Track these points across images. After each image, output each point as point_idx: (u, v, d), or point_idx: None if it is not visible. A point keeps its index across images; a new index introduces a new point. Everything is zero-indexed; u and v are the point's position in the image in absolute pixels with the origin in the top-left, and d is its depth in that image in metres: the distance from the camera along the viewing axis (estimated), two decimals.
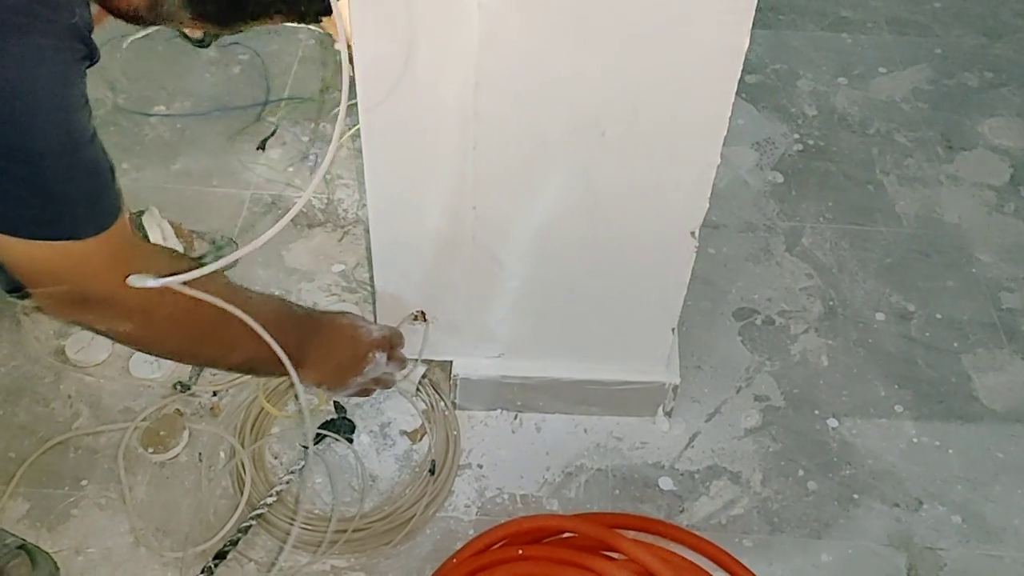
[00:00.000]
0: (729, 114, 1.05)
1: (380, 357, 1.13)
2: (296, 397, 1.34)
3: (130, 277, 0.81)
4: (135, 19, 0.90)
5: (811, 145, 1.84)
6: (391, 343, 1.16)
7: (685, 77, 1.02)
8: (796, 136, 1.85)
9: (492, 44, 1.00)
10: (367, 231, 1.55)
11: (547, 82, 1.04)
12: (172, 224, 1.49)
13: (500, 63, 1.02)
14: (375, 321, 1.24)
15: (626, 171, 1.12)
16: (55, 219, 0.81)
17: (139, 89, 1.87)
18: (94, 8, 0.83)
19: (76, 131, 0.80)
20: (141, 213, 1.46)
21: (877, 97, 1.95)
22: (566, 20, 0.98)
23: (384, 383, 1.20)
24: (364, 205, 1.65)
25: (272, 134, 1.78)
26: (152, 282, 0.82)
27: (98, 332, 0.95)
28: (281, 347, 0.95)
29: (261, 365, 1.01)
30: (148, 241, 1.42)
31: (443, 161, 1.12)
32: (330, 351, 1.08)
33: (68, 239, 0.82)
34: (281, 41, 1.99)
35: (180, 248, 1.46)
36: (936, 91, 1.97)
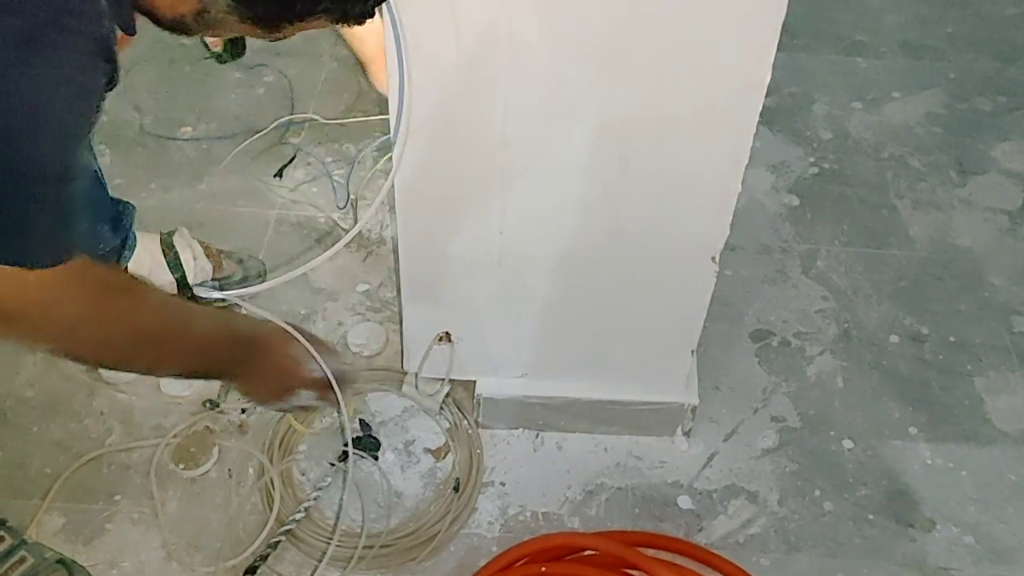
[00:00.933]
0: (751, 144, 1.08)
1: (306, 394, 1.11)
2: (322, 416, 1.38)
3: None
4: (180, 28, 0.89)
5: (826, 168, 1.87)
6: (326, 386, 1.11)
7: (708, 108, 1.06)
8: (811, 159, 1.88)
9: (521, 74, 1.04)
10: (395, 253, 1.59)
11: (573, 111, 1.08)
12: (201, 244, 1.52)
13: (528, 93, 1.06)
14: (403, 341, 1.27)
15: (649, 197, 1.15)
16: (8, 243, 0.78)
17: (166, 111, 1.91)
18: (117, 32, 0.83)
19: (71, 163, 0.80)
20: (172, 233, 1.49)
21: (891, 121, 1.98)
22: (592, 52, 1.02)
23: (310, 410, 1.22)
24: (387, 226, 1.69)
25: (291, 161, 1.81)
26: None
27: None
28: (212, 361, 1.00)
29: (193, 375, 1.06)
30: (179, 260, 1.46)
31: (472, 187, 1.15)
32: (261, 376, 1.07)
33: (16, 265, 0.79)
34: (305, 63, 2.03)
35: (210, 268, 1.49)
36: (949, 115, 2.00)
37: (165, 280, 1.46)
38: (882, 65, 2.13)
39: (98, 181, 1.36)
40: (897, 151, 1.91)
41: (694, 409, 1.36)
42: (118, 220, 1.40)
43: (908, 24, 2.25)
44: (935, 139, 1.94)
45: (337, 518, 1.27)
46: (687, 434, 1.39)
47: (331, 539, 1.23)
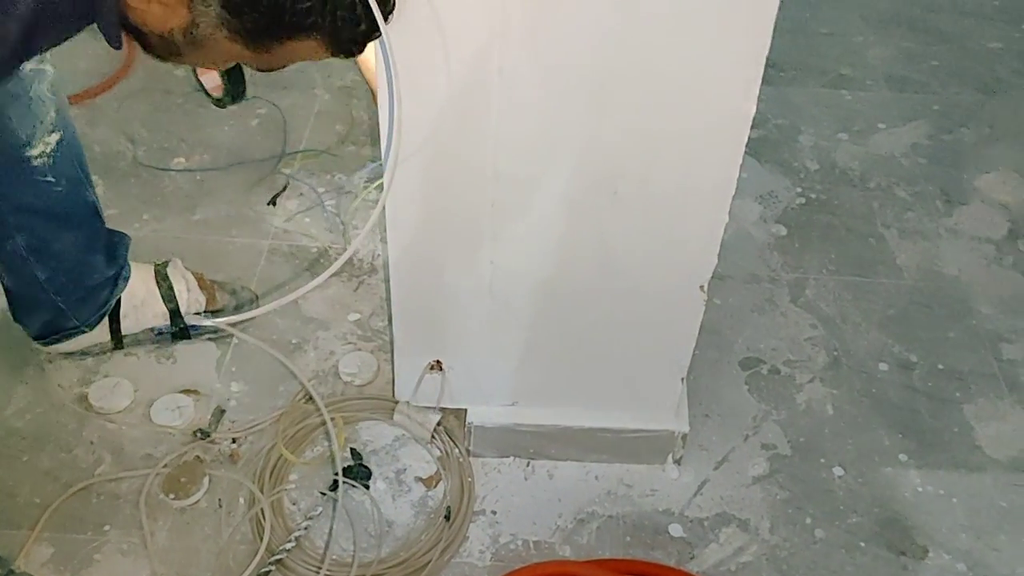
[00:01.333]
0: (737, 175, 1.10)
1: None
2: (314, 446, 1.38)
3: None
4: (169, 51, 0.89)
5: (813, 199, 1.89)
6: None
7: (695, 140, 1.08)
8: (799, 190, 1.90)
9: (511, 108, 1.06)
10: (386, 282, 1.60)
11: (563, 144, 1.09)
12: (194, 274, 1.53)
13: (518, 126, 1.07)
14: (395, 369, 1.27)
15: (638, 228, 1.17)
16: None
17: (159, 142, 1.93)
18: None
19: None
20: (165, 264, 1.50)
21: (877, 152, 2.01)
22: (581, 87, 1.04)
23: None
24: (379, 255, 1.70)
25: (283, 190, 1.83)
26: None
27: None
28: None
29: None
30: (173, 291, 1.47)
31: (463, 217, 1.17)
32: None
33: None
34: (298, 95, 2.05)
35: (203, 299, 1.50)
36: (934, 146, 2.03)
37: (158, 311, 1.46)
38: (867, 97, 2.16)
39: (95, 212, 1.37)
40: (883, 181, 1.93)
41: (684, 437, 1.37)
42: (113, 251, 1.41)
43: (892, 58, 2.29)
44: (921, 169, 1.97)
45: (327, 547, 1.26)
46: (678, 462, 1.40)
47: (321, 568, 1.23)
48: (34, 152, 1.23)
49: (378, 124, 1.09)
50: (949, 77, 2.23)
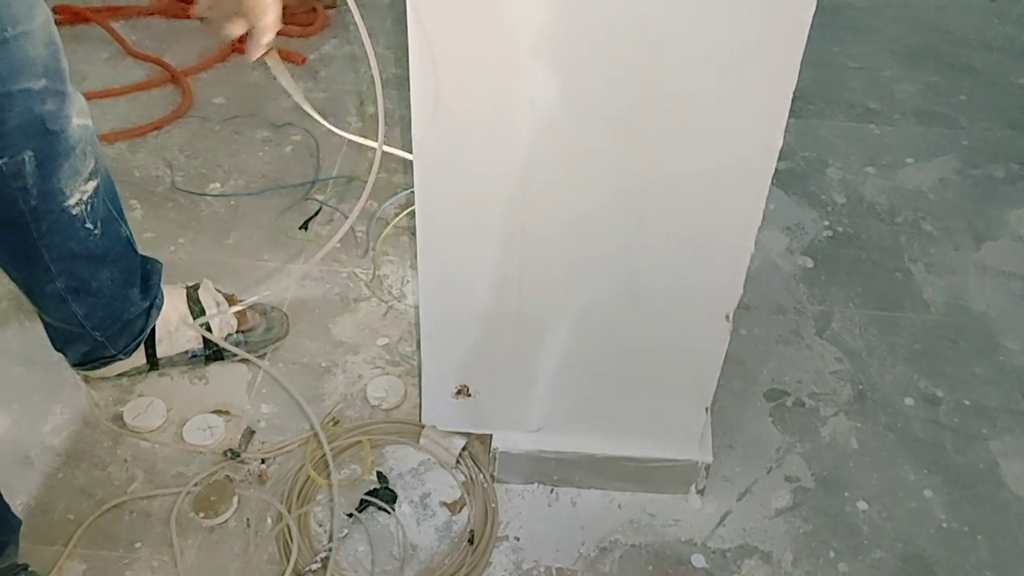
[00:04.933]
0: (764, 207, 1.12)
1: None
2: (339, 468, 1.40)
3: None
4: None
5: (840, 232, 1.89)
6: None
7: (722, 171, 1.09)
8: (826, 222, 1.91)
9: (542, 137, 1.08)
10: (416, 308, 1.62)
11: (591, 172, 1.11)
12: (225, 295, 1.56)
13: (549, 154, 1.09)
14: (422, 394, 1.29)
15: (664, 257, 1.18)
16: None
17: (196, 167, 1.97)
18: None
19: None
20: (196, 287, 1.53)
21: (905, 186, 2.01)
22: (611, 118, 1.06)
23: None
24: (408, 281, 1.73)
25: (316, 214, 1.86)
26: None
27: None
28: None
29: None
30: (205, 313, 1.50)
31: (492, 243, 1.19)
32: None
33: None
34: (332, 123, 2.09)
35: (235, 321, 1.53)
36: (962, 182, 2.03)
37: (191, 335, 1.49)
38: (895, 132, 2.17)
39: (129, 245, 1.40)
40: (911, 216, 1.94)
41: (708, 467, 1.37)
42: (147, 281, 1.44)
43: (920, 92, 2.30)
44: (948, 205, 1.97)
45: (353, 569, 1.28)
46: (701, 492, 1.40)
47: None
48: (72, 201, 1.26)
49: (410, 150, 1.12)
50: (977, 113, 2.24)
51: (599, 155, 1.09)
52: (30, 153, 1.18)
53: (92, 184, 1.28)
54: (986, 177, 2.05)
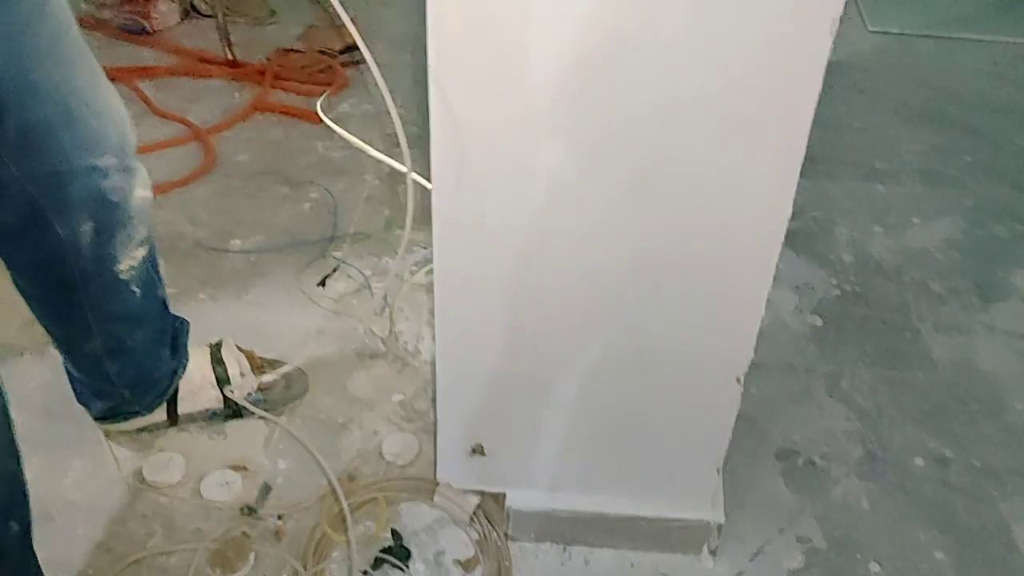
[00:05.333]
0: (774, 270, 1.14)
1: None
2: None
3: None
4: None
5: (848, 291, 1.92)
6: None
7: (734, 237, 1.12)
8: (834, 281, 1.94)
9: (558, 202, 1.11)
10: (431, 365, 1.65)
11: (606, 237, 1.14)
12: (245, 352, 1.59)
13: (564, 218, 1.13)
14: (437, 451, 1.31)
15: (676, 319, 1.21)
16: None
17: (218, 224, 2.02)
18: None
19: None
20: (219, 346, 1.56)
21: (911, 246, 2.04)
22: (625, 185, 1.09)
23: None
24: (422, 339, 1.75)
25: (333, 271, 1.90)
26: None
27: None
28: None
29: None
30: (227, 375, 1.52)
31: (508, 304, 1.22)
32: None
33: None
34: (349, 180, 2.15)
35: (255, 382, 1.55)
36: (968, 242, 2.06)
37: (212, 395, 1.52)
38: (901, 192, 2.21)
39: (165, 307, 1.43)
40: (918, 275, 1.97)
41: (720, 527, 1.38)
42: (176, 340, 1.47)
43: (925, 153, 2.35)
44: (955, 264, 2.00)
45: None
46: (713, 552, 1.41)
47: None
48: (123, 267, 1.29)
49: (428, 209, 1.15)
50: (982, 173, 2.28)
51: (614, 220, 1.13)
52: (90, 224, 1.21)
53: (142, 251, 1.31)
54: (991, 237, 2.08)
